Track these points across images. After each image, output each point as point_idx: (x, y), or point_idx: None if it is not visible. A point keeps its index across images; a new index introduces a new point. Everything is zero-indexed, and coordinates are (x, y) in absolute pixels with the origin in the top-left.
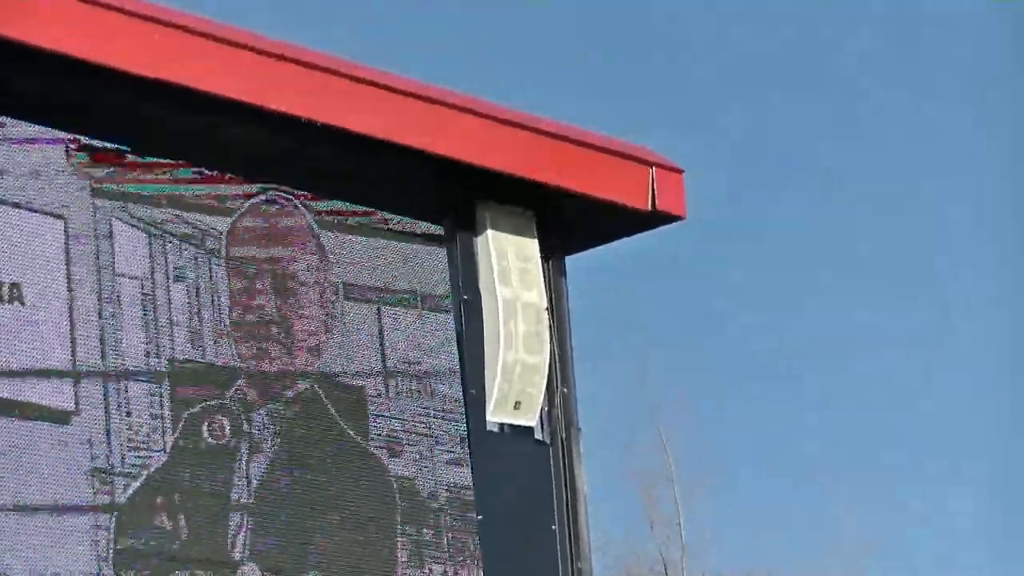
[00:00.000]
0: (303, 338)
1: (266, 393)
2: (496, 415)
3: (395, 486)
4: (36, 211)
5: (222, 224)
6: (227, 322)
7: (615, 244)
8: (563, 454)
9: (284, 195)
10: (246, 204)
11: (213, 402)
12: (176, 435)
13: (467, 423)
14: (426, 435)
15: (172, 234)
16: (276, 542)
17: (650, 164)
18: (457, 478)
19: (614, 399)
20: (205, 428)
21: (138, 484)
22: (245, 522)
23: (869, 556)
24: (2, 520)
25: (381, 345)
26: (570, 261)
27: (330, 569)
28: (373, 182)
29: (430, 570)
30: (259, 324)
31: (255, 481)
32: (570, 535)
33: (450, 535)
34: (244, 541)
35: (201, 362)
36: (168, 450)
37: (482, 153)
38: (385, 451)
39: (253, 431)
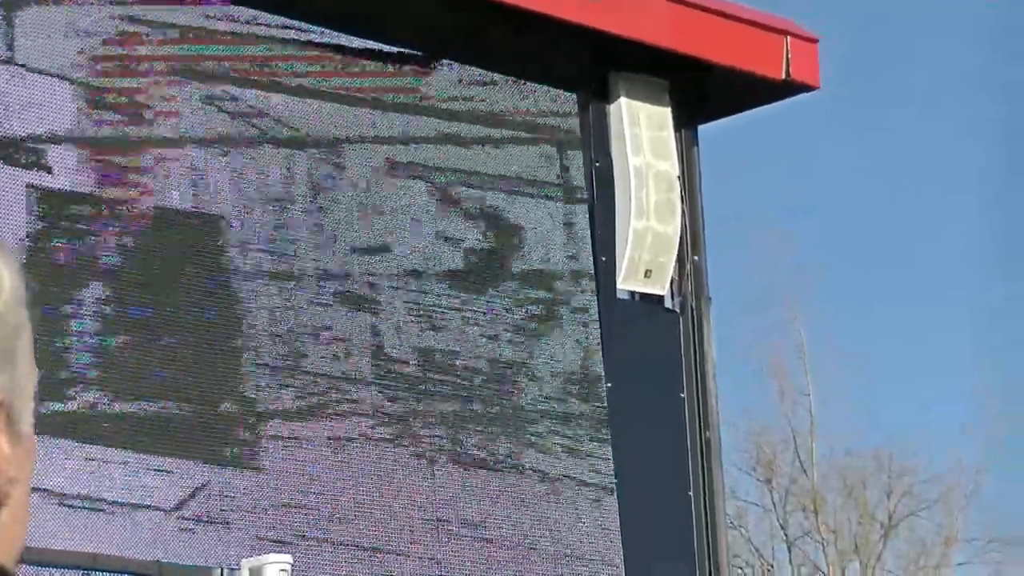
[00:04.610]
0: None
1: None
2: (626, 283)
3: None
4: None
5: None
6: None
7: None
8: (693, 323)
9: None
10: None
11: None
12: None
13: (597, 291)
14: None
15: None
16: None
17: (785, 33)
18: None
19: (747, 270)
20: None
21: None
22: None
23: None
24: None
25: None
26: (703, 130)
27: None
28: (512, 53)
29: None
30: None
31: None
32: (699, 404)
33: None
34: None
35: None
36: None
37: (617, 22)
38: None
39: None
